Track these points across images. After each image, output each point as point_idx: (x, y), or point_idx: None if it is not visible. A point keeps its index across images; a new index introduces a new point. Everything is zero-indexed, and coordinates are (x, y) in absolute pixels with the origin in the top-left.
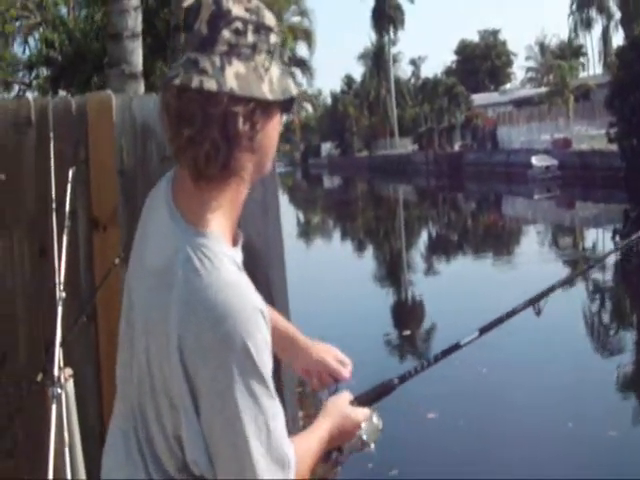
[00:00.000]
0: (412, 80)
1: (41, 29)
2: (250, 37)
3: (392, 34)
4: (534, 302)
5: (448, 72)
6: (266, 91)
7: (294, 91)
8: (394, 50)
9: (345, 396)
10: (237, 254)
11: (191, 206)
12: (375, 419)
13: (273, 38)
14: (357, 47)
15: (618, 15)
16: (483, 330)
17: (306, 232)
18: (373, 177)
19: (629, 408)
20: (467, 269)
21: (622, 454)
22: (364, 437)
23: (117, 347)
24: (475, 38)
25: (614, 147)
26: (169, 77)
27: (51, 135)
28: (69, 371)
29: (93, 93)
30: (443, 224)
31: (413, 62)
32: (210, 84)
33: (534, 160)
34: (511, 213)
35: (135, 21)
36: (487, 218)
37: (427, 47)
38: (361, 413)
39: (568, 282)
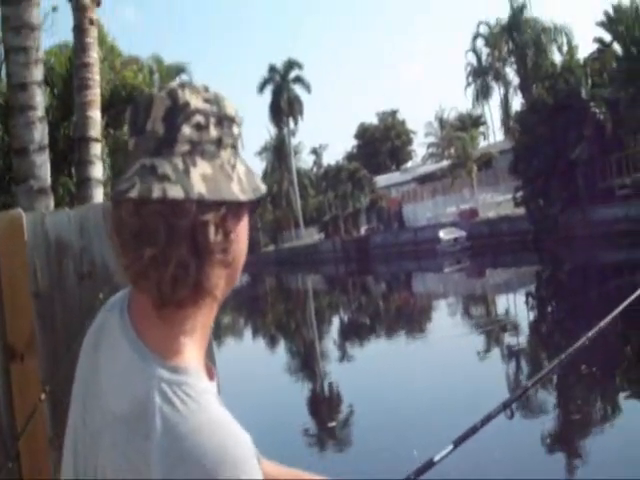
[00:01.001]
0: (314, 169)
1: None
2: (213, 131)
3: (292, 125)
4: (507, 406)
5: (350, 157)
6: (237, 191)
7: (263, 188)
8: (294, 141)
9: None
10: (215, 387)
11: (159, 337)
12: None
13: (236, 129)
14: (256, 142)
15: (515, 81)
16: (457, 442)
17: (216, 335)
18: (281, 270)
19: None
20: (380, 351)
21: None
22: None
23: None
24: (374, 120)
25: (521, 211)
26: (121, 190)
27: None
28: None
29: (1, 212)
30: (354, 309)
31: (314, 151)
32: (175, 191)
33: (442, 234)
34: (422, 289)
35: (41, 133)
36: (397, 298)
37: (327, 135)
38: None
39: (538, 381)
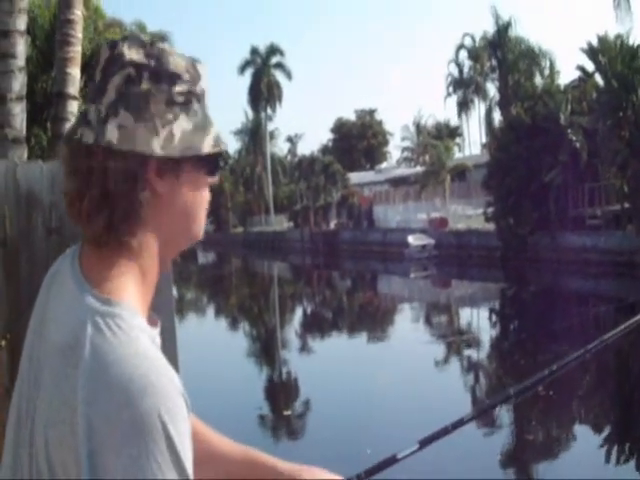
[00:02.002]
0: (288, 157)
1: None
2: (145, 85)
3: (269, 110)
4: (482, 413)
5: (324, 150)
6: (156, 146)
7: (205, 149)
8: (271, 127)
9: None
10: (156, 335)
11: (99, 272)
12: None
13: (182, 87)
14: (233, 122)
15: (495, 97)
16: (423, 442)
17: (178, 309)
18: (248, 253)
19: None
20: (340, 347)
21: None
22: None
23: None
24: (352, 117)
25: (491, 227)
26: (67, 131)
27: None
28: None
29: None
30: (318, 302)
31: (290, 139)
32: (88, 136)
33: (410, 239)
34: (386, 291)
35: (20, 83)
36: (362, 296)
37: (304, 124)
38: None
39: (522, 392)
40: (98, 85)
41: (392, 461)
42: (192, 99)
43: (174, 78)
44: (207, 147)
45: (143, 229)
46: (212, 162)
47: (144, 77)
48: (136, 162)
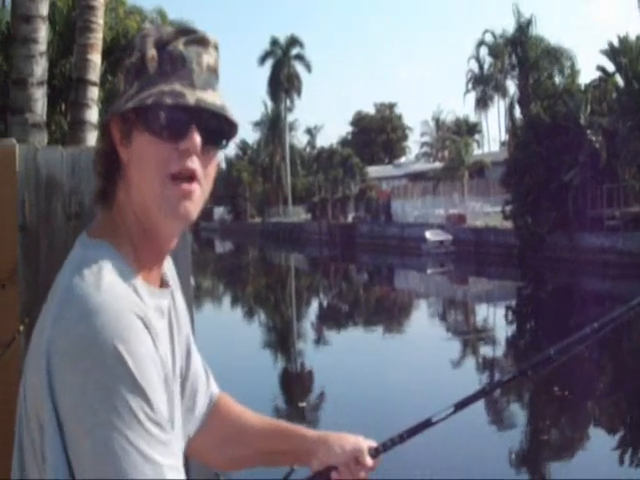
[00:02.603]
0: (307, 149)
1: None
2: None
3: (289, 102)
4: (512, 379)
5: (343, 142)
6: (113, 109)
7: (148, 100)
8: (290, 118)
9: None
10: (152, 293)
11: (95, 226)
12: None
13: (133, 58)
14: (252, 112)
15: (515, 94)
16: (459, 406)
17: (195, 296)
18: (265, 244)
19: None
20: (356, 339)
21: None
22: None
23: (10, 418)
24: (371, 110)
25: (509, 224)
26: None
27: None
28: None
29: None
30: (335, 294)
31: (309, 131)
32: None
33: (428, 234)
34: (403, 286)
35: (42, 68)
36: (379, 290)
37: (323, 117)
38: None
39: (542, 364)
40: None
41: (427, 424)
42: (146, 64)
43: (131, 51)
44: (132, 104)
45: (121, 192)
46: (153, 120)
47: (124, 56)
48: (107, 132)
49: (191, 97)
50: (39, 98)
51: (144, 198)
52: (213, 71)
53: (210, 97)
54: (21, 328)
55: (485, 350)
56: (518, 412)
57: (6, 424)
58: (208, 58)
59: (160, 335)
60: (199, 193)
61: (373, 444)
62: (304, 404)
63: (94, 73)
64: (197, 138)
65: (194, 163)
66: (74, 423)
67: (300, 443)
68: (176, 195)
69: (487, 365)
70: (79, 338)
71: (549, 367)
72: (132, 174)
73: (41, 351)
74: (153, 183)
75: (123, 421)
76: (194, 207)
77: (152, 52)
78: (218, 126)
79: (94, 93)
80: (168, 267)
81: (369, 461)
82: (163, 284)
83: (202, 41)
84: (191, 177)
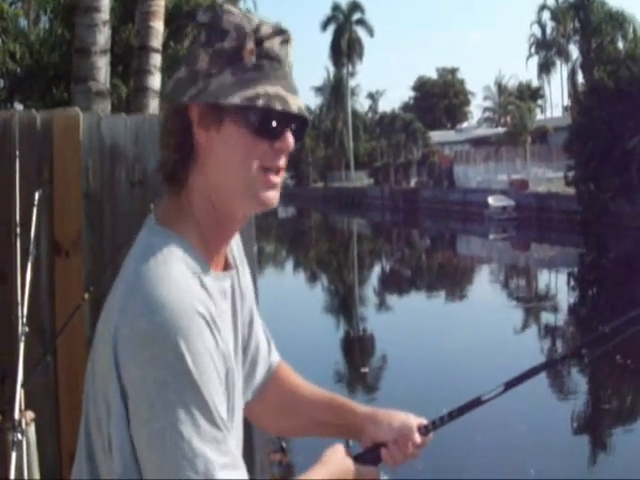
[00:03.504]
0: (369, 114)
1: (0, 40)
2: (200, 42)
3: (351, 67)
4: (564, 359)
5: (406, 107)
6: (189, 95)
7: (235, 100)
8: (352, 83)
9: (341, 448)
10: (216, 277)
11: (163, 211)
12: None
13: (229, 43)
14: (314, 78)
15: (578, 59)
16: (509, 385)
17: (258, 261)
18: (328, 209)
19: None
20: (419, 305)
21: None
22: None
23: (75, 385)
24: (433, 75)
25: (571, 190)
26: None
27: (17, 153)
28: (30, 414)
29: (60, 109)
30: (397, 259)
31: (371, 96)
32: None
33: (491, 200)
34: (465, 252)
35: (105, 37)
36: (441, 255)
37: (385, 82)
38: (368, 472)
39: (598, 339)
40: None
41: (477, 403)
42: (243, 55)
43: (223, 35)
44: (238, 99)
45: (195, 175)
46: (257, 120)
47: (201, 35)
48: (182, 111)
49: (293, 104)
50: (102, 66)
51: (228, 181)
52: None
53: (300, 102)
54: (86, 296)
55: (546, 317)
56: (579, 380)
57: (72, 391)
58: (291, 58)
59: (223, 316)
60: (280, 182)
61: (423, 421)
62: (366, 369)
63: (156, 40)
64: (291, 140)
65: (284, 161)
66: (133, 412)
67: (350, 418)
68: (264, 183)
69: (548, 333)
70: (142, 331)
71: (605, 346)
72: (215, 158)
73: (108, 337)
74: (242, 170)
75: (178, 417)
76: (277, 195)
77: (251, 45)
78: (301, 125)
79: (157, 60)
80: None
81: (418, 438)
82: (227, 266)
83: (289, 41)
84: (278, 170)
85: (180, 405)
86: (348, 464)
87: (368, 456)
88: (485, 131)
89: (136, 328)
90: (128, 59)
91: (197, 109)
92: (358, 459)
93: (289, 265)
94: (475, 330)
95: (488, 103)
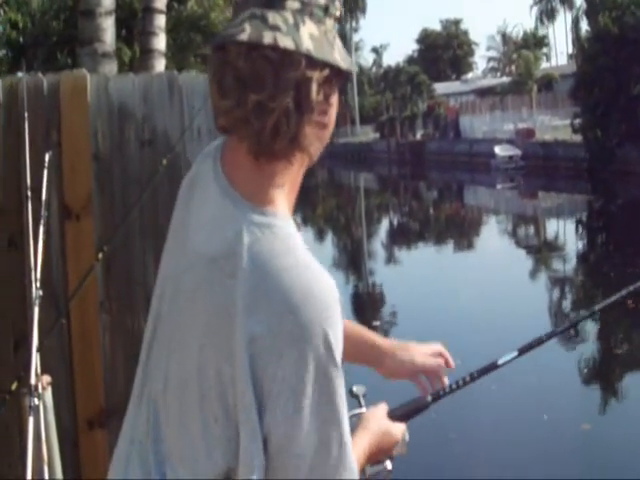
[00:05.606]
0: (374, 68)
1: (2, 11)
2: None
3: (354, 22)
4: (575, 325)
5: (410, 60)
6: (338, 59)
7: (353, 66)
8: (356, 37)
9: (383, 408)
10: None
11: (251, 183)
12: (407, 437)
13: (338, 6)
14: None
15: (582, 6)
16: (522, 350)
17: None
18: (334, 164)
19: None
20: (427, 258)
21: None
22: (395, 454)
23: (89, 348)
24: (437, 27)
25: (578, 138)
26: (229, 33)
27: (25, 116)
28: (47, 378)
29: (66, 72)
30: (404, 212)
31: (375, 50)
32: (286, 42)
33: (497, 150)
34: (473, 202)
35: None
36: (448, 207)
37: (389, 35)
38: (399, 430)
39: (609, 305)
40: None
41: (492, 367)
42: (330, 14)
43: None
44: (346, 64)
45: (298, 140)
46: (346, 80)
47: None
48: (331, 72)
49: (351, 65)
50: (107, 28)
51: (323, 141)
52: None
53: None
54: (100, 256)
55: (555, 265)
56: (589, 326)
57: (86, 354)
58: None
59: None
60: None
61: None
62: (377, 323)
63: (160, 1)
64: None
65: None
66: (276, 411)
67: (369, 350)
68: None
69: (557, 282)
70: (287, 333)
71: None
72: (331, 116)
73: (235, 337)
74: (327, 137)
75: (324, 405)
76: None
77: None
78: None
79: (161, 21)
80: None
81: (452, 362)
82: None
83: None
84: None
85: (338, 398)
86: (385, 428)
87: (398, 412)
88: (490, 81)
89: (278, 330)
90: (131, 23)
91: (328, 67)
92: (391, 415)
93: (296, 222)
94: (486, 280)
95: (492, 53)
